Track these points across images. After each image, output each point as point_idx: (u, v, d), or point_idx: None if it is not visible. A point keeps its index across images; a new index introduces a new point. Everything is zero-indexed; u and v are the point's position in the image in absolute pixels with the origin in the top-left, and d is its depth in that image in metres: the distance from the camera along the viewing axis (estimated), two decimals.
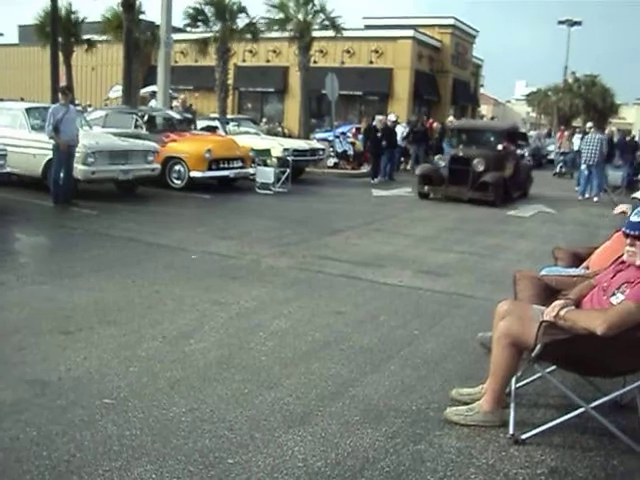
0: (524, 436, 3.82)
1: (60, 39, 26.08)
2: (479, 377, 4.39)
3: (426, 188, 15.97)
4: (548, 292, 4.38)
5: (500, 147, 16.31)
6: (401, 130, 23.01)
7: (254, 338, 5.37)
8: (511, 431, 3.85)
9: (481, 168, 15.29)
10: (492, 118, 46.10)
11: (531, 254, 9.56)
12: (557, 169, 26.97)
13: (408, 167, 23.44)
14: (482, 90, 57.88)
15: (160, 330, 5.44)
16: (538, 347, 3.66)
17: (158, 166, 13.73)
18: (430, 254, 9.39)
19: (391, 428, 3.93)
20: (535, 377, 4.37)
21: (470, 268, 8.67)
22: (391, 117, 22.55)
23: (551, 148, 32.49)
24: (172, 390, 4.30)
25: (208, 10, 26.58)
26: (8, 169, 10.78)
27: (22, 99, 20.85)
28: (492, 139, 16.97)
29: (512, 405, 3.99)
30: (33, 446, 3.53)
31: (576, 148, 30.82)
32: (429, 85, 39.05)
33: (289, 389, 4.41)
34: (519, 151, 20.02)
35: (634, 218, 3.79)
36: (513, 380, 4.08)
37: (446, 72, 39.97)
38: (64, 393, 4.17)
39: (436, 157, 17.58)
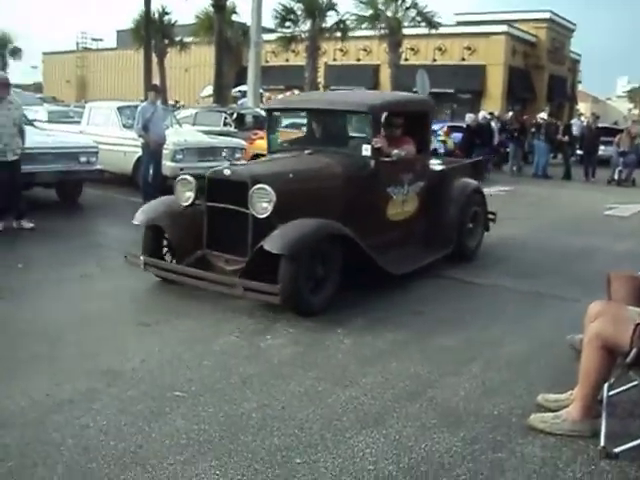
0: (617, 450, 3.48)
1: (154, 41, 26.80)
2: (568, 383, 4.07)
3: (142, 259, 6.16)
4: None
5: (367, 151, 6.66)
6: (495, 127, 21.95)
7: (331, 336, 5.22)
8: (602, 443, 3.52)
9: (268, 208, 5.64)
10: (594, 115, 44.33)
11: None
12: (615, 174, 19.13)
13: (506, 168, 22.04)
14: (580, 87, 55.92)
15: (238, 323, 5.38)
16: (633, 352, 3.36)
17: None
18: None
19: (470, 433, 3.70)
20: (630, 385, 4.02)
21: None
22: (482, 114, 21.87)
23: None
24: (244, 385, 4.21)
25: (298, 8, 26.70)
26: (100, 166, 11.01)
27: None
28: (351, 132, 7.74)
29: (604, 415, 3.65)
30: (101, 435, 3.52)
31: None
32: (524, 82, 37.98)
33: (364, 388, 4.25)
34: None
35: None
36: (605, 387, 3.76)
37: (541, 68, 38.79)
38: (136, 384, 4.15)
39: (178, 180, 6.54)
